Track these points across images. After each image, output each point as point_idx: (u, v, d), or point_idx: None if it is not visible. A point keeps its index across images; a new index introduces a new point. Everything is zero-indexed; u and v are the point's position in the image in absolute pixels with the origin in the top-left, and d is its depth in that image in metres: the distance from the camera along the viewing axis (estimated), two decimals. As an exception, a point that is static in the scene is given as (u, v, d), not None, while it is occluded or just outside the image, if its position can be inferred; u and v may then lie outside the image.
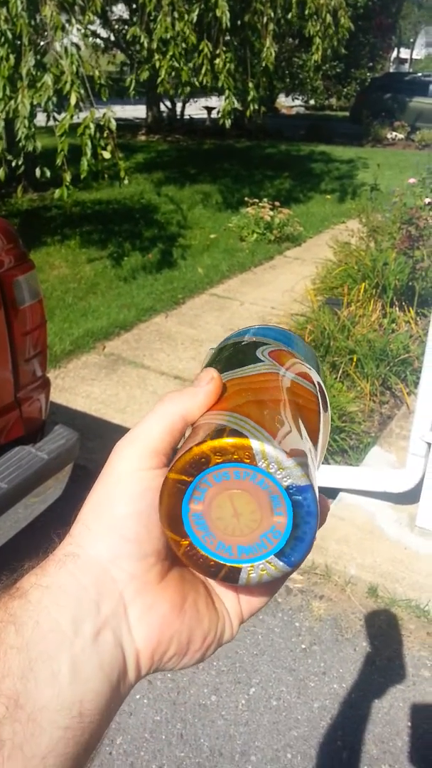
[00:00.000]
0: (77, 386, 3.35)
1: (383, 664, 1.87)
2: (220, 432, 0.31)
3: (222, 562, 0.33)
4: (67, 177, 4.10)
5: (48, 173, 4.24)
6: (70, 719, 0.28)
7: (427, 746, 1.65)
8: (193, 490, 0.32)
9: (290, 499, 0.31)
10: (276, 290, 4.88)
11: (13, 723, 0.27)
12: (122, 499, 0.33)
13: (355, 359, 3.29)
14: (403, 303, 3.89)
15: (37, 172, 4.22)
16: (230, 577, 0.33)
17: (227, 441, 0.31)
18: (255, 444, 0.30)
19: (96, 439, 2.79)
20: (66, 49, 4.34)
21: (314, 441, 0.36)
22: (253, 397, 0.35)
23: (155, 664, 0.33)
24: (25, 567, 0.33)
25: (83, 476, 2.32)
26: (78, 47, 4.78)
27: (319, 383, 0.39)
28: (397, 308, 3.88)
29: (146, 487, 0.33)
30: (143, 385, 3.39)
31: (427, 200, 4.24)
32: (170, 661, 0.34)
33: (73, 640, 0.30)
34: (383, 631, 1.98)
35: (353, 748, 1.64)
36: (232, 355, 0.40)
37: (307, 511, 0.31)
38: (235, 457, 0.31)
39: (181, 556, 0.33)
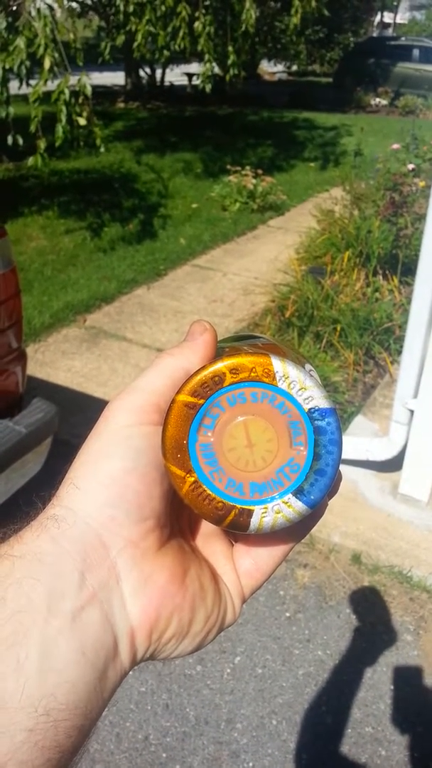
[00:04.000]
0: (58, 360, 3.29)
1: (367, 630, 1.89)
2: (236, 352, 0.28)
3: (231, 502, 0.29)
4: (42, 144, 3.98)
5: (21, 141, 4.11)
6: (36, 718, 0.23)
7: (409, 708, 1.68)
8: (203, 417, 0.28)
9: (312, 425, 0.28)
10: (259, 260, 4.82)
11: None
12: (119, 453, 0.29)
13: (338, 329, 3.26)
14: (387, 271, 3.86)
15: (9, 139, 4.09)
16: (239, 522, 0.29)
17: (245, 357, 0.27)
18: (276, 361, 0.27)
19: (78, 414, 2.75)
20: (39, 11, 4.17)
21: None
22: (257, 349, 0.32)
23: (152, 645, 0.29)
24: None
25: (66, 452, 2.28)
26: (52, 9, 4.60)
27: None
28: (381, 277, 3.85)
29: (147, 444, 0.29)
30: (125, 358, 3.35)
31: (410, 166, 4.18)
32: (168, 643, 0.30)
33: (48, 619, 0.25)
34: (367, 597, 1.99)
35: (337, 712, 1.66)
36: (226, 339, 0.36)
37: (330, 438, 0.28)
38: (254, 375, 0.27)
39: (184, 496, 0.29)
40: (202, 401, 0.28)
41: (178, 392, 0.28)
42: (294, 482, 0.29)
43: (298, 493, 0.29)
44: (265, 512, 0.29)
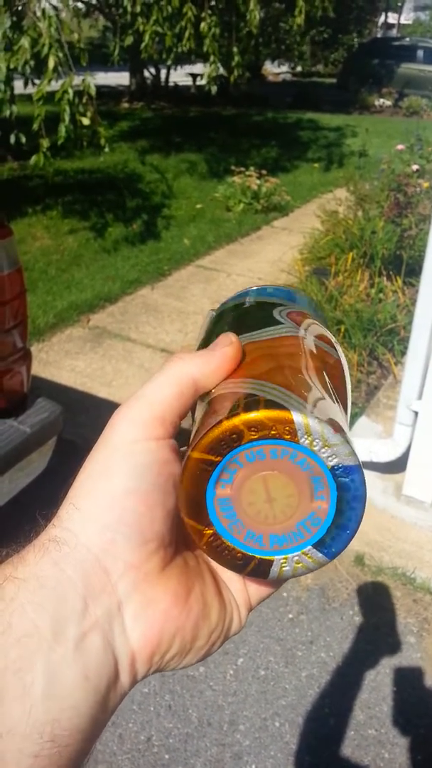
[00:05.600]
0: (62, 360, 3.30)
1: (370, 631, 1.89)
2: (254, 403, 0.27)
3: (251, 554, 0.28)
4: (44, 143, 3.98)
5: (24, 139, 4.12)
6: (41, 744, 0.24)
7: (412, 710, 1.67)
8: (221, 472, 0.27)
9: (335, 482, 0.27)
10: (263, 261, 4.82)
11: None
12: (121, 472, 0.28)
13: (342, 330, 3.26)
14: (391, 272, 3.85)
15: (12, 138, 4.10)
16: (260, 570, 0.29)
17: (264, 413, 0.26)
18: (297, 417, 0.26)
19: (82, 414, 2.75)
20: (44, 11, 4.17)
21: (346, 413, 0.32)
22: (280, 363, 0.30)
23: (154, 666, 0.29)
24: (2, 554, 0.28)
25: (70, 451, 2.28)
26: (57, 9, 4.61)
27: (337, 345, 0.35)
28: (385, 278, 3.84)
29: (151, 460, 0.28)
30: (129, 358, 3.35)
31: (415, 167, 4.17)
32: (171, 661, 0.29)
33: (53, 646, 0.25)
34: (370, 599, 1.99)
35: (340, 714, 1.66)
36: (246, 316, 0.35)
37: (354, 495, 0.27)
38: (274, 432, 0.26)
39: (203, 547, 0.28)
40: (219, 458, 0.27)
41: (192, 449, 0.27)
42: (315, 535, 0.28)
43: (320, 545, 0.28)
44: (285, 563, 0.29)
